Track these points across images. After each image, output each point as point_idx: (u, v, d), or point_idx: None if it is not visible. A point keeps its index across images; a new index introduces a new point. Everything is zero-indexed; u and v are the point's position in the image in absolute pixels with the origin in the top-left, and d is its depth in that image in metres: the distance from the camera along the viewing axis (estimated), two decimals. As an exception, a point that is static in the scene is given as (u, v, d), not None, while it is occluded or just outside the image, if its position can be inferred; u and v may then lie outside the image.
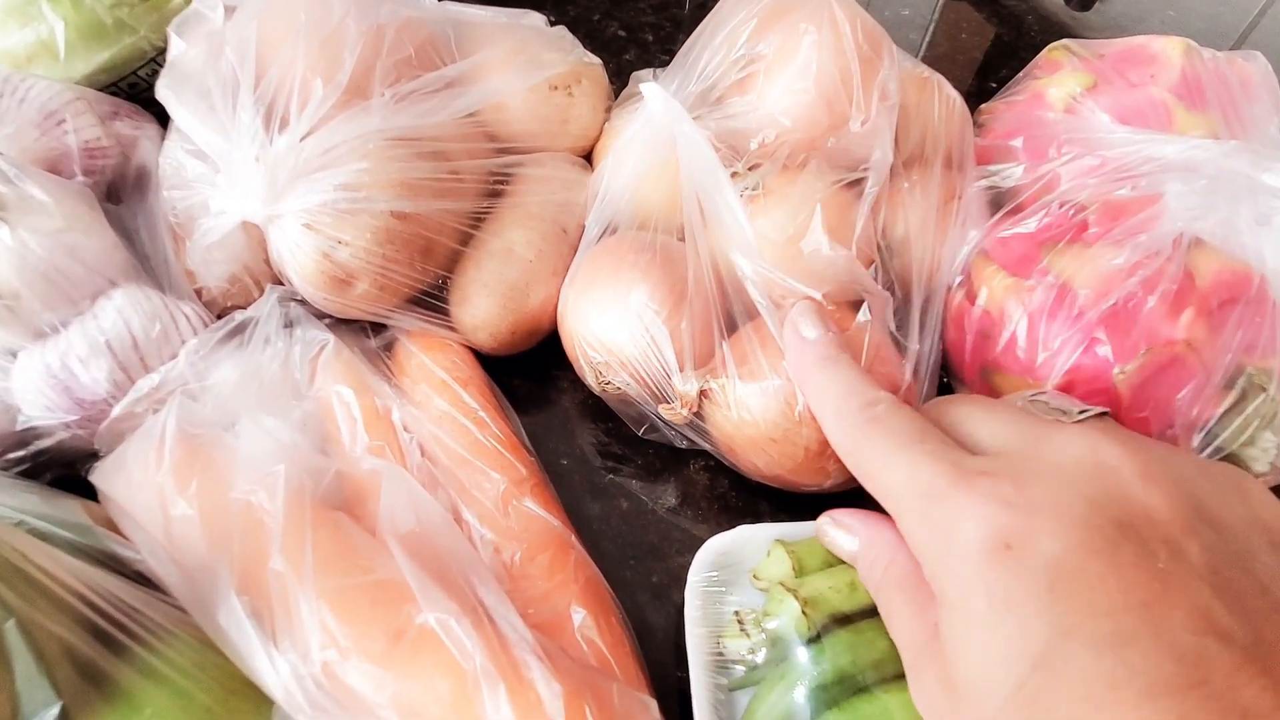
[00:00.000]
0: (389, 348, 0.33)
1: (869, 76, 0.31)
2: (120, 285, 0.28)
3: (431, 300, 0.32)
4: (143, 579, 0.24)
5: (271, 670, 0.19)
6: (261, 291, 0.32)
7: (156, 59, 0.38)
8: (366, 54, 0.30)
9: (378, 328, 0.33)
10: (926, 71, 0.35)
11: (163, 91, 0.30)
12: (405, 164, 0.30)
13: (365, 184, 0.29)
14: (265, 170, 0.27)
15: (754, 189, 0.31)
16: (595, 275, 0.31)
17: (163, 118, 0.37)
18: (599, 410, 0.34)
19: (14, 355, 0.27)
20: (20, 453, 0.27)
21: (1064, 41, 0.37)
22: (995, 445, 0.19)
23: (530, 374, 0.35)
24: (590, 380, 0.31)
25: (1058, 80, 0.34)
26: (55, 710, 0.18)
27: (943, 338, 0.33)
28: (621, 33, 0.56)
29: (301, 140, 0.28)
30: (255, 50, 0.28)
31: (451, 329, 0.33)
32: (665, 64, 0.54)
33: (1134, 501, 0.17)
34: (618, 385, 0.30)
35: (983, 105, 0.40)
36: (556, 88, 0.36)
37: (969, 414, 0.20)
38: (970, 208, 0.34)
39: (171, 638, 0.21)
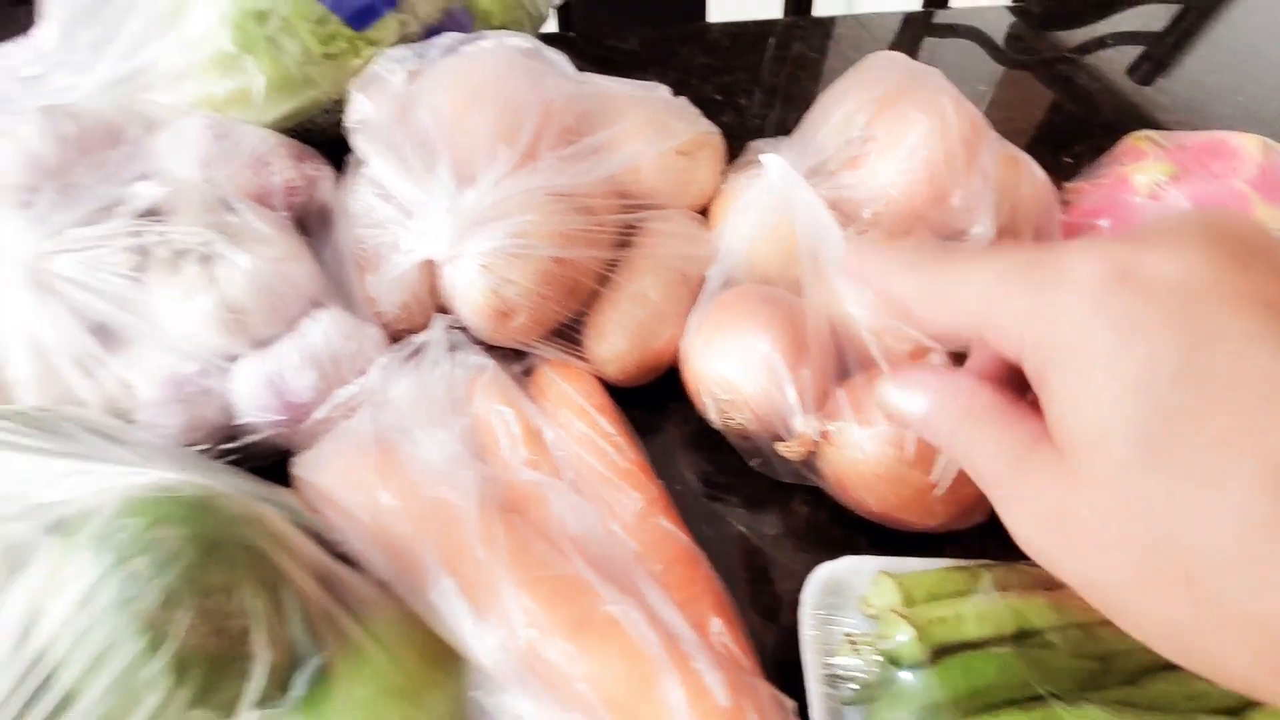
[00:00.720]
0: (528, 373, 0.37)
1: (970, 159, 0.35)
2: (322, 307, 0.33)
3: (571, 334, 0.37)
4: (345, 558, 0.28)
5: (481, 643, 0.23)
6: (424, 318, 0.37)
7: (330, 109, 0.44)
8: (539, 123, 0.34)
9: (519, 355, 0.38)
10: (1015, 151, 0.39)
11: (360, 144, 0.35)
12: (563, 217, 0.34)
13: (531, 233, 0.33)
14: (454, 219, 0.32)
15: (864, 252, 0.35)
16: (723, 323, 0.35)
17: (334, 160, 0.42)
18: (707, 441, 0.38)
19: (232, 360, 0.31)
20: (232, 444, 0.31)
21: (1146, 132, 0.41)
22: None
23: (647, 405, 0.39)
24: (713, 415, 0.35)
25: (1143, 168, 0.38)
26: (317, 659, 0.22)
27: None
28: (718, 96, 0.61)
29: (484, 195, 0.33)
30: (450, 116, 0.33)
31: (585, 360, 0.37)
32: (758, 125, 0.59)
33: (1255, 239, 0.15)
34: (740, 421, 0.34)
35: (1067, 184, 0.44)
36: (682, 154, 0.41)
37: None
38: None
39: (379, 609, 0.25)
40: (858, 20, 0.70)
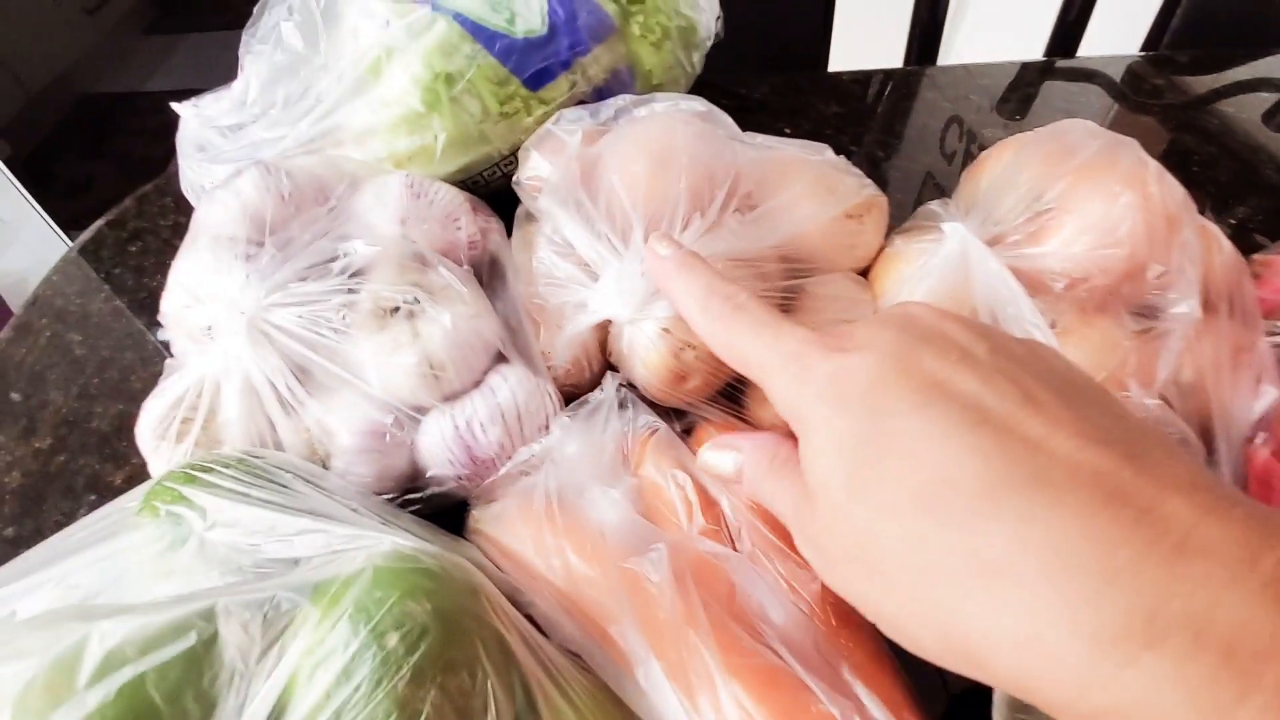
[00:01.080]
0: (688, 431, 0.37)
1: (1172, 235, 0.33)
2: (506, 363, 0.34)
3: (735, 394, 0.36)
4: (531, 620, 0.28)
5: (693, 730, 0.23)
6: (591, 373, 0.37)
7: (500, 163, 0.45)
8: (725, 188, 0.35)
9: (679, 413, 0.37)
10: (1200, 220, 0.37)
11: (544, 203, 0.36)
12: (743, 283, 0.34)
13: None
14: (644, 282, 0.32)
15: (1052, 327, 0.34)
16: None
17: (499, 212, 0.44)
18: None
19: (423, 413, 0.32)
20: (416, 494, 0.32)
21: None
22: None
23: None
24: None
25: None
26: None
27: (1245, 491, 0.33)
28: (853, 148, 0.61)
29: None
30: (641, 179, 0.34)
31: (748, 422, 0.36)
32: (898, 178, 0.58)
33: (934, 330, 0.21)
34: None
35: (1255, 256, 0.41)
36: (851, 217, 0.40)
37: None
38: (1265, 361, 0.35)
39: (577, 683, 0.25)
40: (968, 70, 0.68)
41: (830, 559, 0.21)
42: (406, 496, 0.32)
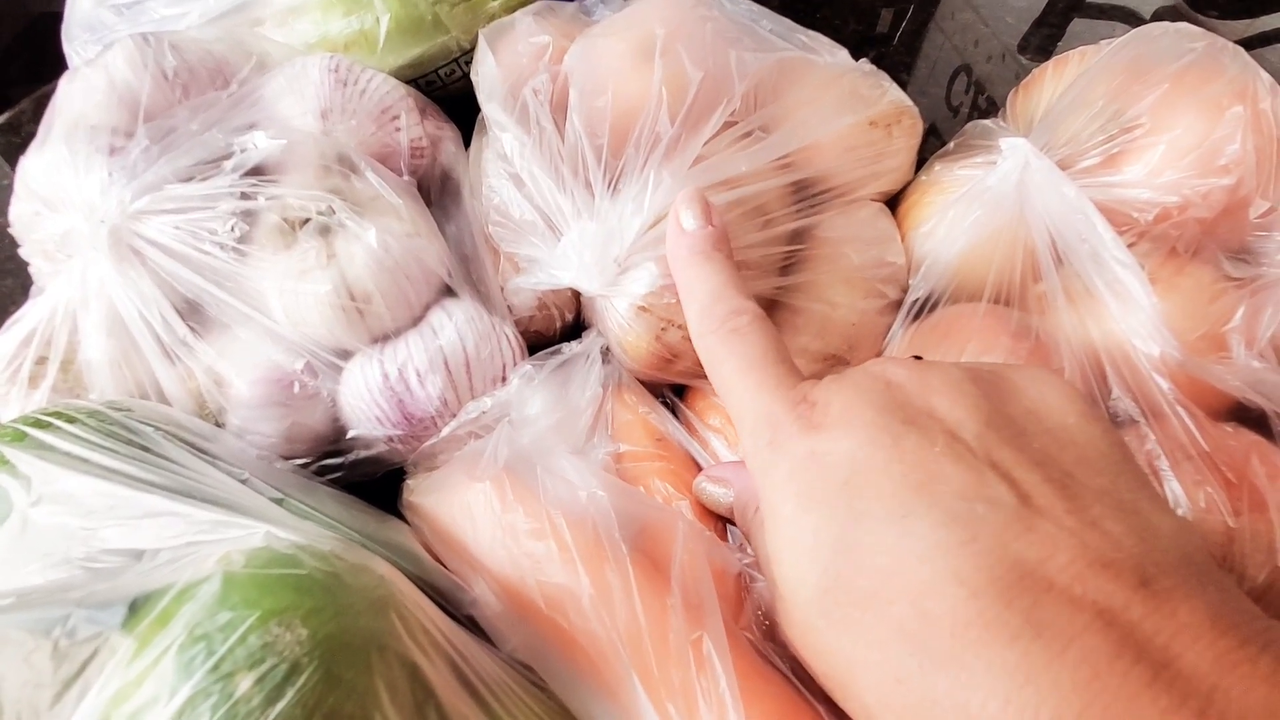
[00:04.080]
0: (681, 392, 0.31)
1: (1284, 161, 0.27)
2: (453, 297, 0.27)
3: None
4: (471, 621, 0.22)
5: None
6: (563, 323, 0.30)
7: (459, 59, 0.37)
8: (720, 104, 0.27)
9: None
10: None
11: (496, 117, 0.29)
12: (737, 233, 0.27)
13: None
14: (610, 250, 0.25)
15: (1137, 271, 0.27)
16: (945, 353, 0.27)
17: (457, 119, 0.36)
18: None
19: (344, 358, 0.26)
20: (336, 460, 0.26)
21: None
22: None
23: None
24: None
25: None
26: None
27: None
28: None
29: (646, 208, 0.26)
30: (611, 98, 0.26)
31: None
32: (932, 104, 0.51)
33: (916, 404, 0.18)
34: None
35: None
36: (875, 124, 0.33)
37: None
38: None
39: (517, 704, 0.19)
40: None
41: (808, 664, 0.18)
42: (324, 463, 0.26)
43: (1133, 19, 0.60)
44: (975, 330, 0.27)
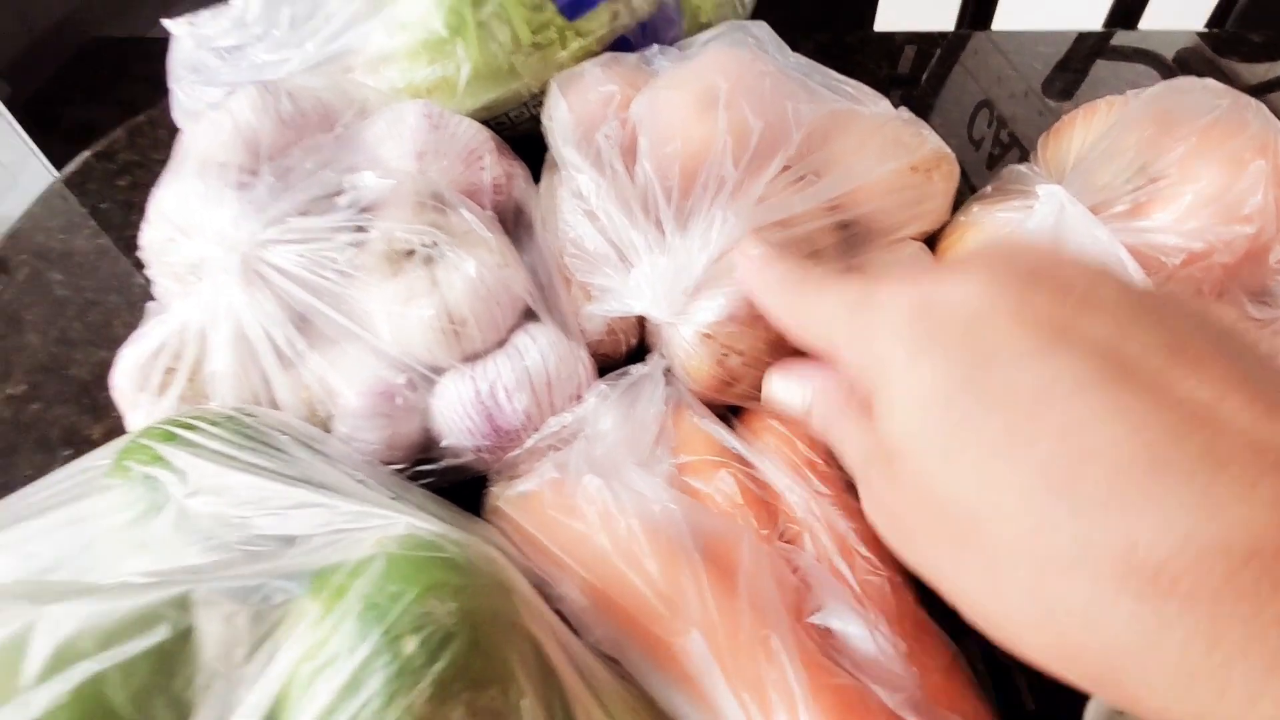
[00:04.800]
0: (737, 411, 0.33)
1: (1302, 209, 0.29)
2: (535, 321, 0.29)
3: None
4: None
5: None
6: (628, 346, 0.33)
7: (528, 103, 0.41)
8: (779, 140, 0.30)
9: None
10: None
11: (572, 158, 0.32)
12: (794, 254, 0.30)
13: None
14: (678, 283, 0.28)
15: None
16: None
17: (524, 156, 0.39)
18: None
19: (439, 374, 0.28)
20: (429, 466, 0.28)
21: None
22: None
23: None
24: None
25: None
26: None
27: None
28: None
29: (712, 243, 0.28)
30: (680, 140, 0.29)
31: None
32: (962, 146, 0.54)
33: (1046, 261, 0.17)
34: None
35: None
36: (917, 169, 0.36)
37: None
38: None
39: (615, 696, 0.21)
40: (1037, 37, 0.63)
41: (910, 533, 0.17)
42: (417, 469, 0.28)
43: (1155, 62, 0.63)
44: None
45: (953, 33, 0.66)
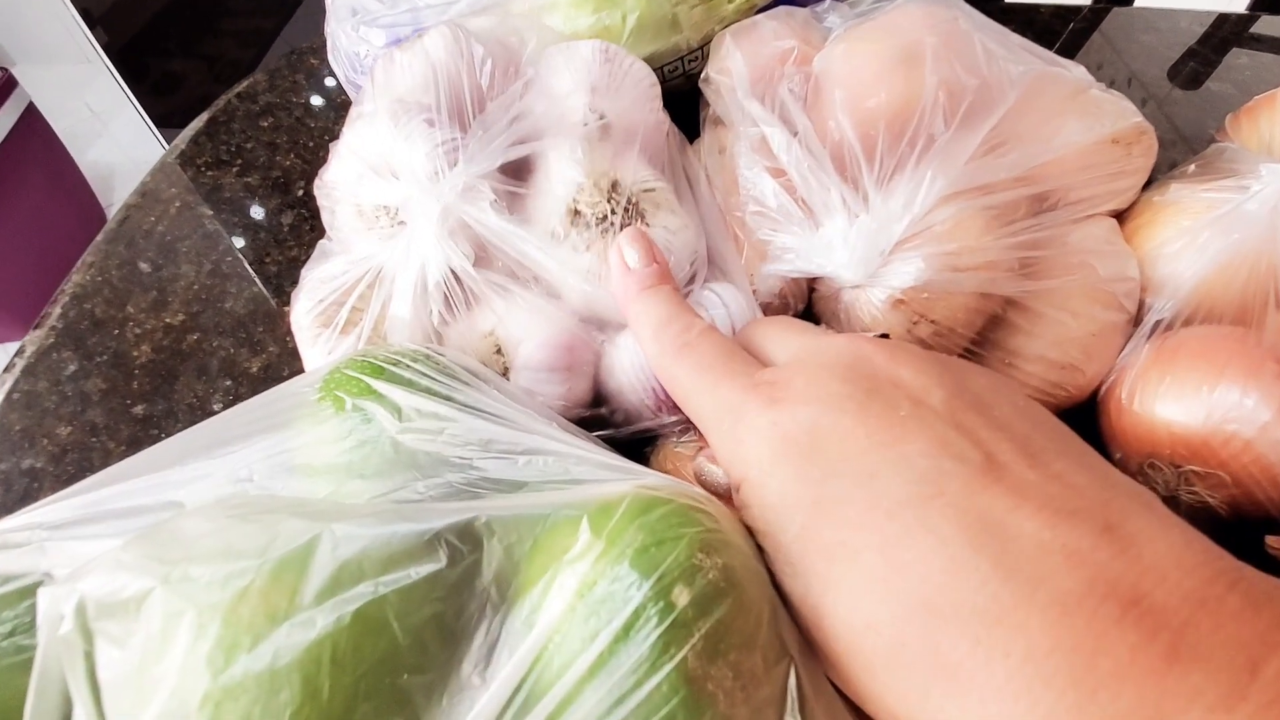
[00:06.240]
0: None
1: None
2: (715, 280, 0.29)
3: (969, 356, 0.31)
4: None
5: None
6: (795, 310, 0.32)
7: (684, 58, 0.39)
8: (984, 116, 0.28)
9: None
10: None
11: (757, 110, 0.31)
12: (993, 240, 0.28)
13: (964, 265, 0.27)
14: (874, 243, 0.26)
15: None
16: (1194, 371, 0.28)
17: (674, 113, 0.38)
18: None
19: (619, 332, 0.28)
20: (599, 425, 0.28)
21: None
22: (786, 358, 0.21)
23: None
24: (1157, 480, 0.28)
25: None
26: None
27: None
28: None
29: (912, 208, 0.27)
30: (877, 102, 0.28)
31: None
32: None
33: (882, 373, 0.19)
34: (1209, 497, 0.27)
35: None
36: (1118, 142, 0.33)
37: (771, 334, 0.23)
38: None
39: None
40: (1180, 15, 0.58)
41: (794, 617, 0.18)
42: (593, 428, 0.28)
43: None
44: (1235, 353, 0.27)
45: (1091, 4, 0.61)
